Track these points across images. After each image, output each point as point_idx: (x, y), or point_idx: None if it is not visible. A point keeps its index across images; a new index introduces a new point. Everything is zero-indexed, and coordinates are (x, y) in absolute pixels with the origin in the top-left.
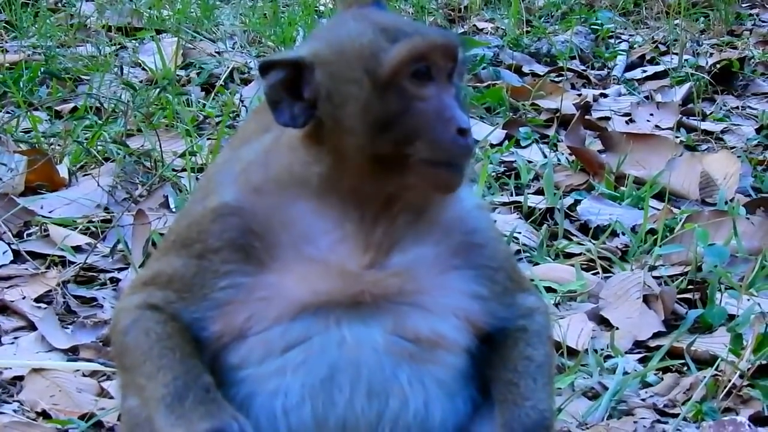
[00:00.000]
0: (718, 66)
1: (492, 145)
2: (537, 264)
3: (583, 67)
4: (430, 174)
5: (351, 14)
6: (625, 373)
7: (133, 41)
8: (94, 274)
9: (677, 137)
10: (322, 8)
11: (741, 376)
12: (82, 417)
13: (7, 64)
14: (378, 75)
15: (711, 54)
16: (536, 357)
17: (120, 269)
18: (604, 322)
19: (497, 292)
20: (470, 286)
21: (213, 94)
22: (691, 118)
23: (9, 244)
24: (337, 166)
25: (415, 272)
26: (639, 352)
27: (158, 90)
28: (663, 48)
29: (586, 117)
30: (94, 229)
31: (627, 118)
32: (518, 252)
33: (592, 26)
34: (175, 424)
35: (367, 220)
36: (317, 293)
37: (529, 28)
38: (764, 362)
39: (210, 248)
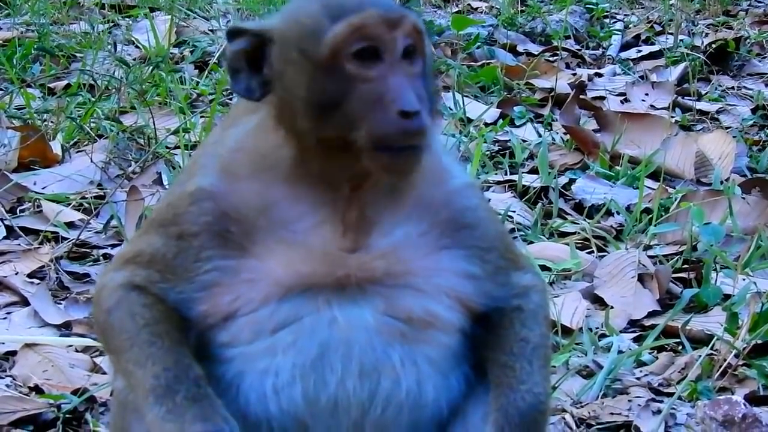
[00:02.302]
0: (713, 46)
1: (486, 124)
2: (531, 243)
3: (577, 47)
4: (376, 159)
5: None
6: (620, 352)
7: (127, 19)
8: (87, 250)
9: (672, 117)
10: None
11: (736, 356)
12: (74, 392)
13: (1, 41)
14: (317, 57)
15: (706, 34)
16: (532, 338)
17: (113, 245)
18: (598, 301)
19: (490, 272)
20: (461, 265)
21: (206, 72)
22: (686, 98)
23: (2, 219)
24: (299, 148)
25: (401, 253)
26: (634, 331)
27: (152, 67)
28: (658, 28)
29: (581, 96)
30: (87, 205)
31: (622, 98)
32: (512, 230)
33: (587, 6)
34: (166, 418)
35: (340, 202)
36: (302, 276)
37: (523, 8)
38: (760, 341)
39: (187, 232)
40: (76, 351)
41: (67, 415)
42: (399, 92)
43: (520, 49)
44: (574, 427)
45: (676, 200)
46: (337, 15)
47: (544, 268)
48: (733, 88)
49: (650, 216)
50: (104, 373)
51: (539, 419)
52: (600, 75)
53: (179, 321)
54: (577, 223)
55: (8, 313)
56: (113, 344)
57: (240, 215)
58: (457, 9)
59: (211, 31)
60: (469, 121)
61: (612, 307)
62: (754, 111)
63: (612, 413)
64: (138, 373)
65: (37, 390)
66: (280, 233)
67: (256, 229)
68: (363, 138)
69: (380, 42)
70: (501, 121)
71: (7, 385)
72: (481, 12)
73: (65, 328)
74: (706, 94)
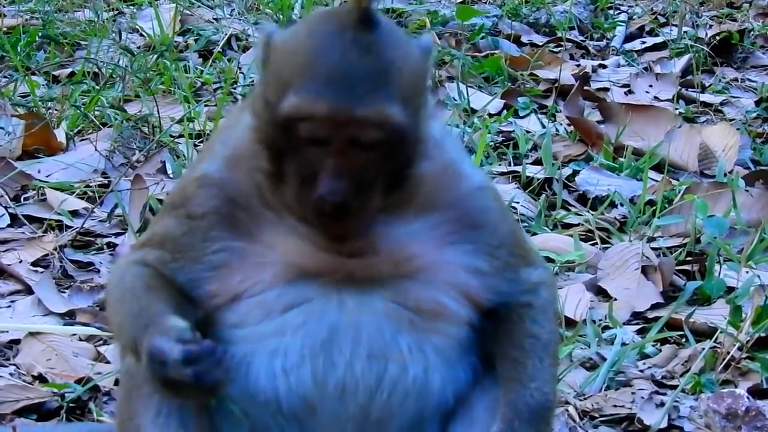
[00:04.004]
0: (717, 38)
1: (490, 115)
2: (535, 234)
3: (582, 38)
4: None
5: (320, 18)
6: (623, 344)
7: (131, 7)
8: (91, 238)
9: (676, 109)
10: None
11: (740, 349)
12: (78, 381)
13: (5, 29)
14: (277, 113)
15: (710, 26)
16: (542, 335)
17: (117, 234)
18: (602, 293)
19: (498, 267)
20: (468, 260)
21: (211, 61)
22: (690, 89)
23: (6, 207)
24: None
25: (407, 251)
26: (637, 324)
27: (156, 56)
28: (662, 19)
29: (585, 88)
30: (91, 193)
31: (626, 89)
32: (516, 222)
33: None
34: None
35: None
36: (309, 267)
37: None
38: (763, 335)
39: (195, 213)
40: (80, 340)
41: (70, 404)
42: (326, 178)
43: (524, 39)
44: (577, 419)
45: (679, 192)
46: (299, 86)
47: (547, 259)
48: (737, 80)
49: (654, 208)
50: (108, 362)
51: (547, 416)
52: (604, 66)
53: (180, 290)
54: (581, 215)
55: (12, 301)
56: (115, 314)
57: (247, 203)
58: None
59: (216, 19)
60: (474, 111)
61: (615, 299)
62: (758, 103)
63: (615, 406)
64: (124, 335)
65: (41, 379)
66: (284, 226)
67: (263, 220)
68: (290, 200)
69: (325, 132)
70: (505, 111)
71: (11, 374)
72: (486, 2)
73: (69, 317)
74: (710, 86)
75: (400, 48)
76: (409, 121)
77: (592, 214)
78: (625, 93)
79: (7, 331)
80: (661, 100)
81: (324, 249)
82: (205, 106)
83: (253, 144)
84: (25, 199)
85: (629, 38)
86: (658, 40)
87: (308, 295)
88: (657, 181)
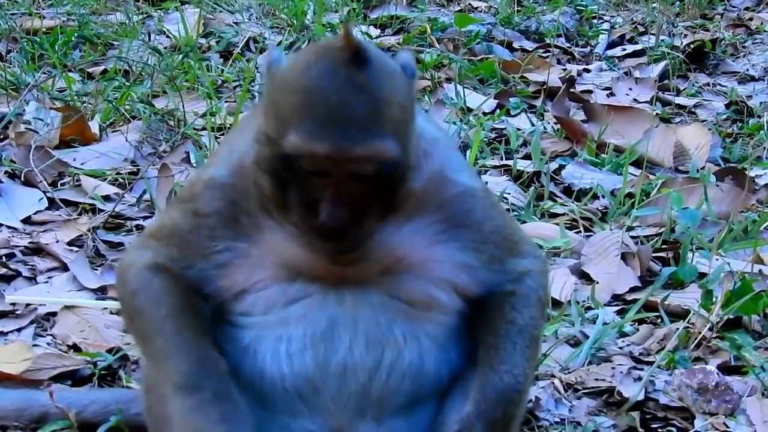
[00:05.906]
0: (691, 46)
1: (485, 114)
2: (524, 222)
3: (568, 45)
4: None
5: (314, 55)
6: (604, 323)
7: (159, 11)
8: (122, 221)
9: (653, 110)
10: None
11: (710, 329)
12: (109, 351)
13: (44, 29)
14: (280, 148)
15: (685, 35)
16: (519, 320)
17: (145, 217)
18: (585, 277)
19: (485, 260)
20: (456, 256)
21: (231, 61)
22: (666, 93)
23: (44, 192)
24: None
25: (398, 256)
26: (617, 305)
27: (181, 56)
28: (641, 29)
29: (571, 90)
30: (122, 180)
31: (608, 92)
32: (507, 211)
33: (577, 7)
34: (190, 413)
35: None
36: (304, 271)
37: (519, 8)
38: (732, 317)
39: (201, 212)
40: (111, 313)
41: (102, 372)
42: (328, 206)
43: (515, 45)
44: (562, 391)
45: (656, 186)
46: (299, 126)
47: None
48: (708, 84)
49: (633, 200)
50: None
51: (515, 398)
52: (588, 70)
53: (199, 304)
54: (566, 206)
55: (49, 277)
56: (138, 328)
57: (247, 208)
58: (459, 8)
59: (236, 23)
60: (469, 110)
61: (597, 283)
62: (727, 106)
63: (597, 379)
64: (164, 365)
65: (75, 348)
66: (283, 234)
67: (262, 224)
68: (293, 220)
69: (326, 167)
70: (498, 110)
71: (48, 344)
72: (481, 11)
73: (101, 292)
74: (684, 89)
75: (390, 82)
76: (402, 150)
77: (577, 205)
78: (607, 95)
79: (45, 305)
80: (640, 102)
81: (319, 258)
82: (226, 102)
83: (255, 168)
84: (62, 184)
85: (611, 45)
86: (638, 47)
87: (308, 291)
88: (636, 175)
